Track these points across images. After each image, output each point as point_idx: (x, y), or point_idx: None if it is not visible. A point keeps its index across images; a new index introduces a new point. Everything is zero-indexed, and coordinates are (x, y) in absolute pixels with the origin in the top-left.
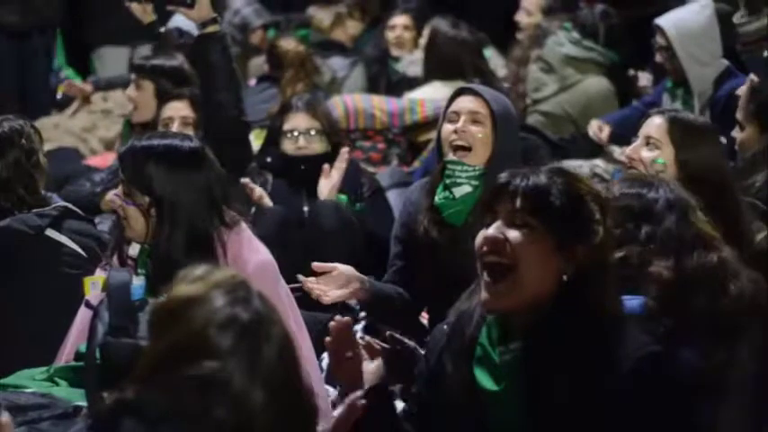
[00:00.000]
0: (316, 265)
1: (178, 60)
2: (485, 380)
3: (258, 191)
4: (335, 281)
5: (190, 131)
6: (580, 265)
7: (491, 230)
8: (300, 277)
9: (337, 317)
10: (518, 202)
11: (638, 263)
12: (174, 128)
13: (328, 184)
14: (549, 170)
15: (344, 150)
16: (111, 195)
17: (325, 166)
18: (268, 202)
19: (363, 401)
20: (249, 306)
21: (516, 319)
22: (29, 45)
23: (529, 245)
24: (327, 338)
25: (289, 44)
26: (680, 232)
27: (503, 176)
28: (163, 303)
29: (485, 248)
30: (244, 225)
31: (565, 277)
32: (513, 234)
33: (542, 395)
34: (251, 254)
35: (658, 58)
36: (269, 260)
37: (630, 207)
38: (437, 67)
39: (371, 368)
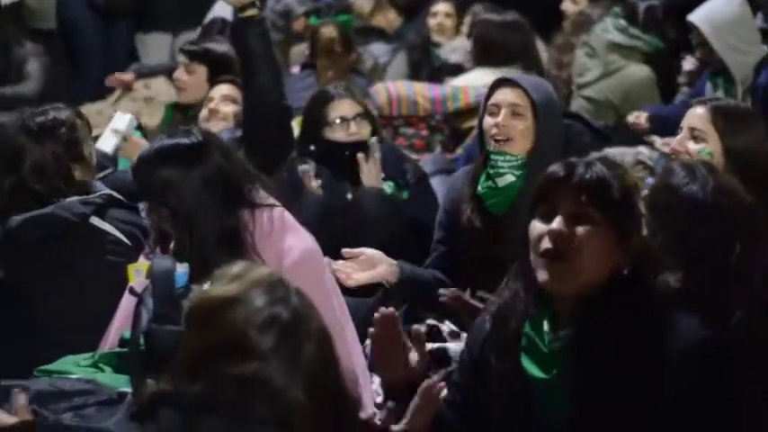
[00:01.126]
0: (345, 251)
1: (225, 46)
2: (532, 368)
3: (316, 183)
4: (362, 264)
5: (230, 107)
6: (634, 255)
7: (555, 225)
8: (327, 260)
9: (382, 308)
10: (583, 196)
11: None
12: (213, 105)
13: (371, 174)
14: (604, 162)
15: (374, 140)
16: (142, 210)
17: (360, 155)
18: (319, 192)
19: (441, 386)
20: (288, 304)
21: (566, 306)
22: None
23: (593, 240)
24: (371, 329)
25: (323, 31)
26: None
27: (559, 168)
28: (201, 301)
29: (547, 244)
30: (286, 213)
31: (625, 271)
32: (579, 230)
33: (593, 382)
34: (294, 242)
35: (698, 53)
36: (312, 248)
37: (661, 199)
38: (482, 54)
39: (414, 359)
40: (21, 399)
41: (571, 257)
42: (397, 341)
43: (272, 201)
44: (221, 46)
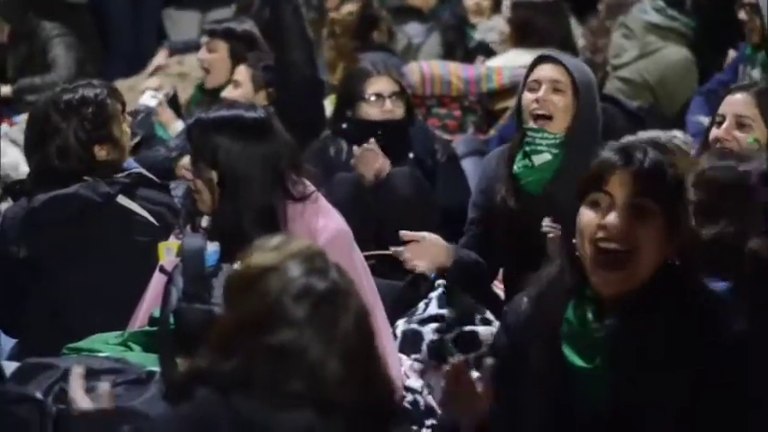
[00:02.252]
0: (404, 233)
1: (248, 24)
2: (574, 357)
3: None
4: (423, 249)
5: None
6: (682, 245)
7: (612, 217)
8: (393, 248)
9: (451, 359)
10: (640, 185)
11: (732, 240)
12: (242, 88)
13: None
14: (656, 147)
15: (371, 143)
16: (184, 164)
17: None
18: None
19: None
20: (325, 276)
21: (612, 295)
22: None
23: (649, 230)
24: (444, 384)
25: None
26: None
27: (614, 155)
28: (238, 272)
29: (602, 234)
30: (318, 195)
31: (676, 261)
32: (636, 220)
33: (637, 373)
34: (325, 222)
35: (741, 15)
36: (344, 228)
37: (721, 180)
38: (518, 35)
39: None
40: (105, 387)
41: (628, 264)
42: (470, 387)
43: (307, 183)
44: (242, 24)
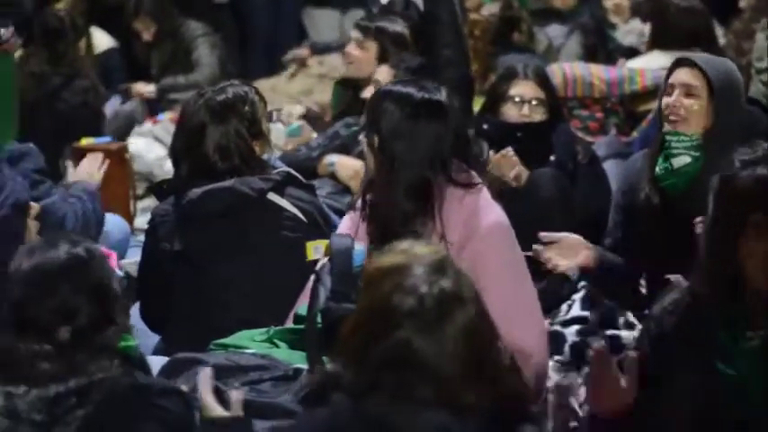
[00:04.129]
0: (544, 234)
1: (400, 25)
2: (725, 366)
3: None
4: (565, 250)
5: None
6: None
7: None
8: (535, 246)
9: (595, 344)
10: None
11: None
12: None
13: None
14: None
15: (508, 150)
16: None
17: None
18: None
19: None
20: (448, 281)
21: (763, 305)
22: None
23: None
24: (588, 368)
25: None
26: None
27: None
28: (366, 273)
29: None
30: (483, 187)
31: None
32: None
33: None
34: (487, 213)
35: None
36: (506, 222)
37: None
38: (660, 37)
39: (623, 385)
40: (238, 395)
41: None
42: (612, 374)
43: (473, 174)
44: (395, 25)
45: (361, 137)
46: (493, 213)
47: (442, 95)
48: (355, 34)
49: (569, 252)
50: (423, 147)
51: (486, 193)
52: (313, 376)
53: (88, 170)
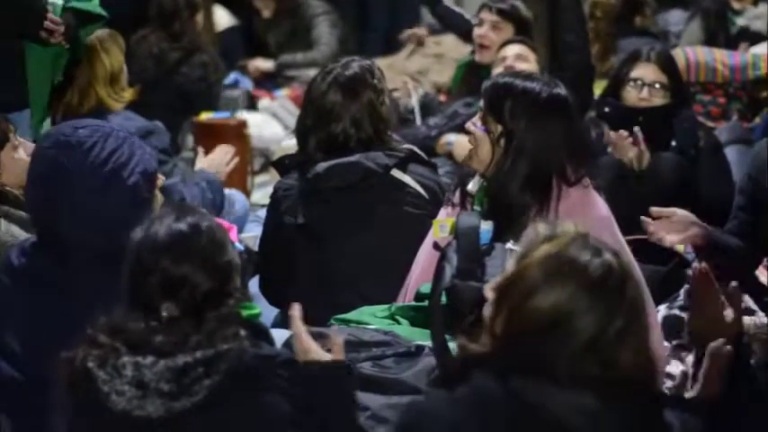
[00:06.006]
0: (654, 209)
1: (524, 8)
2: None
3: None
4: (674, 225)
5: (524, 65)
6: None
7: None
8: (644, 219)
9: (695, 264)
10: None
11: None
12: (509, 62)
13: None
14: None
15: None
16: (469, 123)
17: None
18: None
19: (728, 349)
20: (606, 258)
21: None
22: None
23: None
24: (687, 286)
25: None
26: None
27: None
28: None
29: None
30: (589, 182)
31: None
32: None
33: None
34: (592, 207)
35: None
36: (607, 216)
37: None
38: None
39: (730, 316)
40: (338, 338)
41: None
42: (714, 298)
43: (581, 170)
44: (520, 7)
45: (474, 121)
46: (597, 207)
47: (564, 91)
48: (490, 16)
49: (678, 227)
50: (551, 142)
51: (591, 190)
52: (447, 351)
53: (218, 162)
